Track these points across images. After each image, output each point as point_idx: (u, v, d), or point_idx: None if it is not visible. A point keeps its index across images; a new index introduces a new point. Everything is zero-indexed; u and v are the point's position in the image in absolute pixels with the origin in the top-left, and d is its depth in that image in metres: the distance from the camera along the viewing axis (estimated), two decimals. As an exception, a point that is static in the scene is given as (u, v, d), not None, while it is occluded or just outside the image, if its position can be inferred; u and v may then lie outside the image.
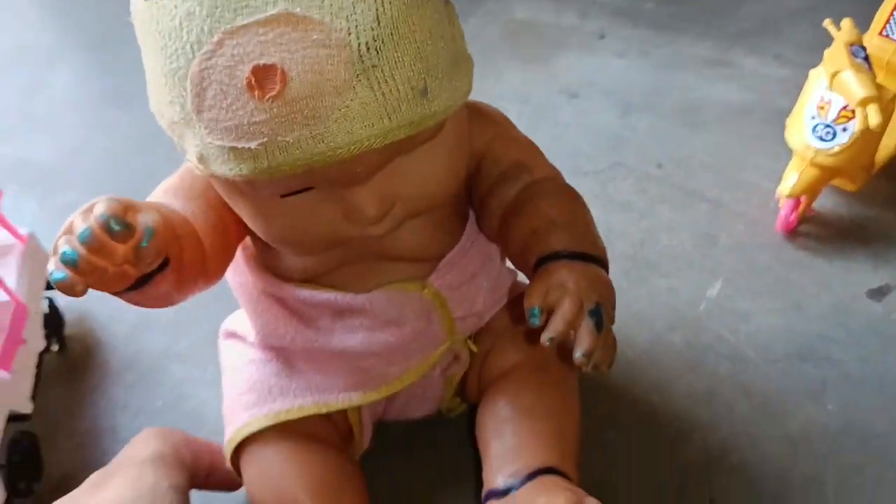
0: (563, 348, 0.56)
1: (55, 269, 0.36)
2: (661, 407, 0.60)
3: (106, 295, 0.75)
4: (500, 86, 0.87)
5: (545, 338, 0.41)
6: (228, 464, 0.53)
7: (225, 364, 0.56)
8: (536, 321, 0.42)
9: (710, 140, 0.79)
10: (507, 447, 0.50)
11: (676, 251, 0.70)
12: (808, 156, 0.64)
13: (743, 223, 0.71)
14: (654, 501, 0.54)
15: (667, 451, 0.57)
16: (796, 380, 0.60)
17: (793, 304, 0.65)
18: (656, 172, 0.77)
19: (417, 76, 0.37)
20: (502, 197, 0.49)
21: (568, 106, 0.85)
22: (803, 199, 0.67)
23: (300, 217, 0.42)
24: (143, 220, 0.36)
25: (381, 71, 0.36)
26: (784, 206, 0.68)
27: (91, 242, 0.35)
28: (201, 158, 0.39)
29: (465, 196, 0.52)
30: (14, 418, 0.58)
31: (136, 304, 0.42)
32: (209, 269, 0.45)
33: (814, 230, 0.70)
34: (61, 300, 0.68)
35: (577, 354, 0.41)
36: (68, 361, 0.67)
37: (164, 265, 0.39)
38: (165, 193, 0.45)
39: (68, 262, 0.35)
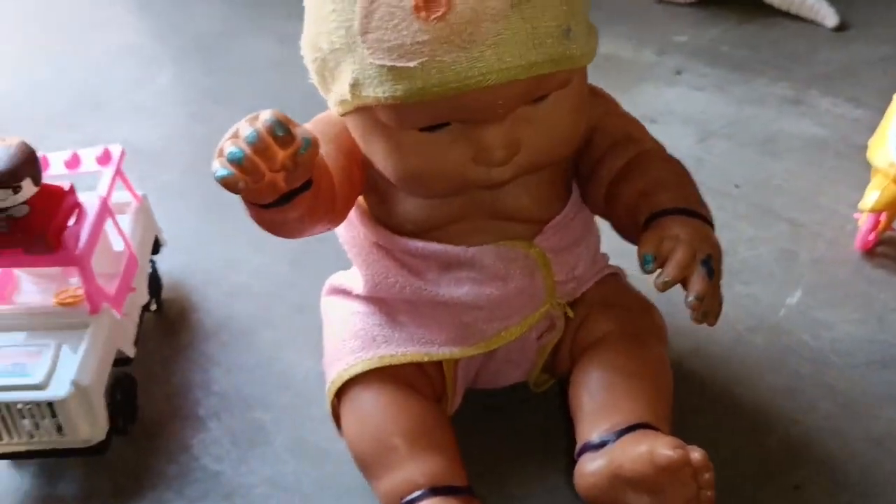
0: (654, 320, 0.57)
1: (220, 167, 0.39)
2: (744, 399, 0.61)
3: (200, 264, 0.78)
4: (581, 109, 0.91)
5: (658, 281, 0.44)
6: (329, 408, 0.55)
7: (327, 318, 0.59)
8: (649, 267, 0.44)
9: (786, 167, 0.81)
10: (602, 404, 0.51)
11: (756, 262, 0.72)
12: (892, 173, 0.66)
13: (822, 241, 0.73)
14: (738, 485, 0.55)
15: (750, 440, 0.58)
16: (879, 385, 0.61)
17: (874, 317, 0.66)
18: (734, 192, 0.79)
19: (563, 18, 0.42)
20: (611, 165, 0.51)
21: (649, 129, 0.88)
22: (883, 217, 0.69)
23: (433, 154, 0.45)
24: (302, 132, 0.39)
25: (534, 7, 0.40)
26: (864, 223, 0.70)
27: (256, 143, 0.38)
28: (355, 84, 0.43)
29: (573, 166, 0.54)
30: (117, 362, 0.61)
31: (270, 225, 0.45)
32: (337, 207, 0.48)
33: (892, 251, 0.71)
34: (161, 265, 0.71)
35: (690, 298, 0.43)
36: (165, 321, 0.70)
37: (307, 186, 0.42)
38: None
39: (234, 160, 0.38)
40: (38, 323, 0.57)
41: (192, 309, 0.70)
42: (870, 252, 0.71)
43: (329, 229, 0.51)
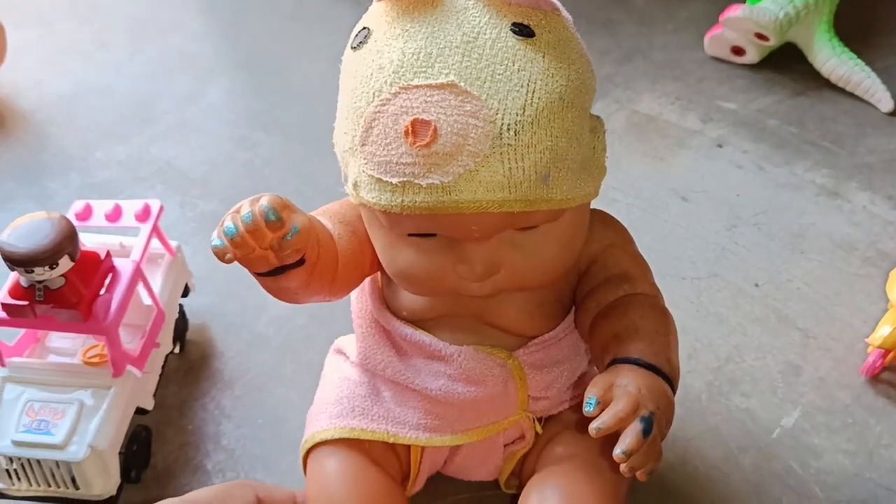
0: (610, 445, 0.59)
1: (216, 237, 0.44)
2: (721, 524, 0.63)
3: (226, 310, 0.82)
4: (616, 175, 0.91)
5: (593, 426, 0.45)
6: (301, 460, 0.59)
7: (324, 373, 0.63)
8: (591, 409, 0.45)
9: (811, 269, 0.82)
10: None
11: (760, 374, 0.73)
12: (906, 313, 0.67)
13: (829, 359, 0.74)
14: None
15: (719, 569, 0.60)
16: (856, 525, 0.63)
17: (865, 450, 0.67)
18: (753, 291, 0.80)
19: (543, 164, 0.44)
20: (600, 300, 0.53)
21: (678, 208, 0.89)
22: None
23: (419, 258, 0.48)
24: (294, 219, 0.44)
25: (514, 151, 0.43)
26: (873, 353, 0.70)
27: (249, 224, 0.43)
28: (356, 185, 0.47)
29: (570, 290, 0.56)
30: (136, 411, 0.65)
31: (269, 290, 0.49)
32: (336, 285, 0.52)
33: (897, 380, 0.72)
34: (188, 307, 0.75)
35: (617, 451, 0.44)
36: (186, 363, 0.74)
37: (300, 263, 0.47)
38: (323, 213, 0.53)
39: (228, 233, 0.43)
40: (64, 379, 0.61)
41: (214, 355, 0.74)
42: (874, 378, 0.72)
43: (329, 300, 0.55)
